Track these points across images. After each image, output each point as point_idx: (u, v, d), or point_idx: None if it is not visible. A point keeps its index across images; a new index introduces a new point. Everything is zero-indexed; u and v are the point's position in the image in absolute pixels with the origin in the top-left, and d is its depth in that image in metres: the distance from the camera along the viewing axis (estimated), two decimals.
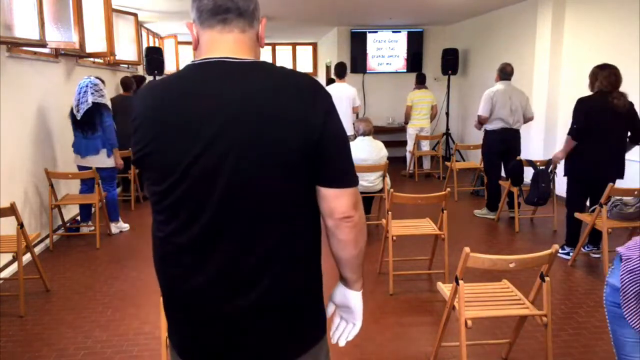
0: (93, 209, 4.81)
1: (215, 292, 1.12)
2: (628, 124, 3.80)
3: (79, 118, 4.43)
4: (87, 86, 4.44)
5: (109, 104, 4.60)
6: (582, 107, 3.84)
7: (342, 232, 1.15)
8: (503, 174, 5.34)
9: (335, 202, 1.11)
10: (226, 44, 1.12)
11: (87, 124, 4.46)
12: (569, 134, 3.94)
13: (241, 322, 1.14)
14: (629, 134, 3.85)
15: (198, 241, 1.10)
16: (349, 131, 6.09)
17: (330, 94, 1.15)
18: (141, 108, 1.12)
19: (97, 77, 4.60)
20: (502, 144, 5.14)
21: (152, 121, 1.09)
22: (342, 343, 1.32)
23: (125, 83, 6.04)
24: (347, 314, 1.32)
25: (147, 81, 6.48)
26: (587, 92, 3.94)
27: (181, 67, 1.18)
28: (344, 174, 1.12)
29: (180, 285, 1.15)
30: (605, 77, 3.76)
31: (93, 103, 4.41)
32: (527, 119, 5.18)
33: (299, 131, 1.05)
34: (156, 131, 1.08)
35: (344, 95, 6.05)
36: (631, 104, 3.78)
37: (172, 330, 1.24)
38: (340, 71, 6.20)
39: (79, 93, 4.44)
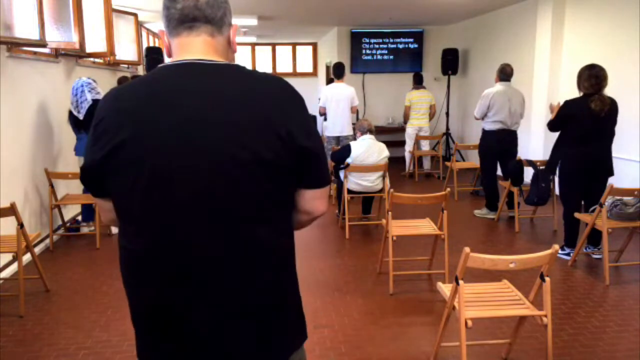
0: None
1: (191, 299, 1.10)
2: (610, 125, 3.86)
3: (81, 118, 4.44)
4: (82, 86, 4.47)
5: None
6: (564, 111, 3.93)
7: (309, 223, 1.25)
8: (499, 173, 5.36)
9: (316, 202, 1.18)
10: (196, 47, 1.12)
11: (88, 124, 4.46)
12: (547, 125, 4.17)
13: (219, 328, 1.11)
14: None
15: (172, 248, 1.08)
16: (348, 131, 6.09)
17: (302, 97, 1.16)
18: (109, 111, 1.08)
19: (89, 77, 4.62)
20: (499, 145, 5.16)
21: (121, 123, 1.05)
22: None
23: (121, 83, 6.03)
24: None
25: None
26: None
27: None
28: (322, 175, 1.17)
29: (155, 294, 1.12)
30: (587, 79, 3.81)
31: (93, 100, 4.42)
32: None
33: (273, 132, 1.05)
34: (126, 133, 1.04)
35: (342, 96, 6.05)
36: (611, 107, 3.80)
37: (143, 344, 1.20)
38: (339, 71, 6.21)
39: (75, 94, 4.46)
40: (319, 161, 1.14)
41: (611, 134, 3.90)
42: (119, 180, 1.08)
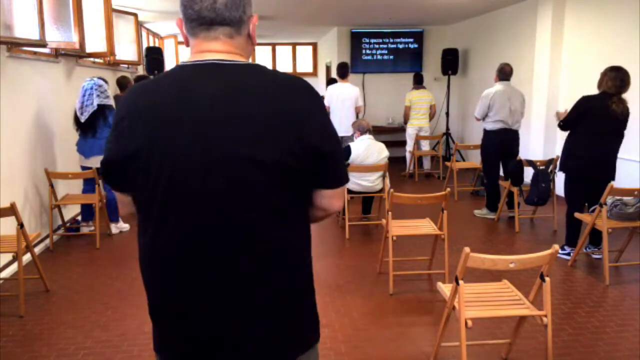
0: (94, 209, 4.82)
1: (209, 298, 1.10)
2: (622, 128, 3.85)
3: (83, 120, 4.43)
4: (91, 88, 4.43)
5: (113, 104, 4.62)
6: (581, 106, 3.89)
7: (323, 219, 1.26)
8: (501, 173, 5.35)
9: (332, 200, 1.19)
10: (214, 48, 1.12)
11: (89, 127, 4.46)
12: (558, 125, 4.12)
13: (219, 328, 1.12)
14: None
15: (190, 246, 1.08)
16: (351, 131, 6.09)
17: (321, 96, 1.16)
18: (131, 108, 1.09)
19: (100, 78, 4.59)
20: (501, 145, 5.15)
21: (144, 121, 1.06)
22: None
23: (121, 83, 6.01)
24: None
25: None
26: (588, 92, 3.95)
27: None
28: (340, 175, 1.17)
29: (173, 292, 1.13)
30: (612, 79, 3.79)
31: (98, 106, 4.41)
32: None
33: (293, 134, 1.05)
34: (148, 132, 1.06)
35: (346, 96, 6.05)
36: (627, 111, 3.83)
37: (162, 340, 1.21)
38: (343, 71, 6.20)
39: (84, 95, 4.43)
40: (336, 162, 1.15)
41: (621, 139, 3.89)
42: (139, 180, 1.09)
